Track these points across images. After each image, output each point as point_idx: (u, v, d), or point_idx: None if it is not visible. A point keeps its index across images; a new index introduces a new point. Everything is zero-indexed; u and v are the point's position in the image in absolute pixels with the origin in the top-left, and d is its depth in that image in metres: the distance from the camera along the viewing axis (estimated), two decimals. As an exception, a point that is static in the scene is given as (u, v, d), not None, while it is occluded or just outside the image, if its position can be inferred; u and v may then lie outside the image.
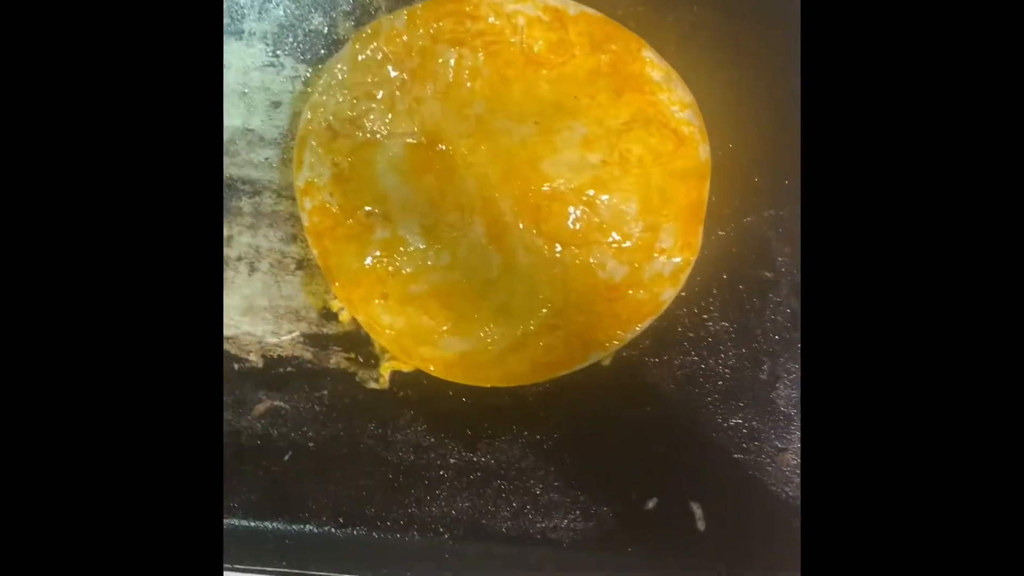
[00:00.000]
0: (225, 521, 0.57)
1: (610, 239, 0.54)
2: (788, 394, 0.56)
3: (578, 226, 0.54)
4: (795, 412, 0.56)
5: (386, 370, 0.57)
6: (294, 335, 0.57)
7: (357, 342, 0.57)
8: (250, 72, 0.57)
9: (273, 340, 0.57)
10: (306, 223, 0.55)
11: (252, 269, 0.57)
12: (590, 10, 0.55)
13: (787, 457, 0.56)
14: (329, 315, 0.58)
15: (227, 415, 0.57)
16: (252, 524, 0.57)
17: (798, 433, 0.56)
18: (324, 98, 0.55)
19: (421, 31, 0.54)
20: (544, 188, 0.54)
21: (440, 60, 0.54)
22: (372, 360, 0.58)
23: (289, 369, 0.57)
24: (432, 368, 0.56)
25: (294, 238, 0.57)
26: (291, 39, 0.57)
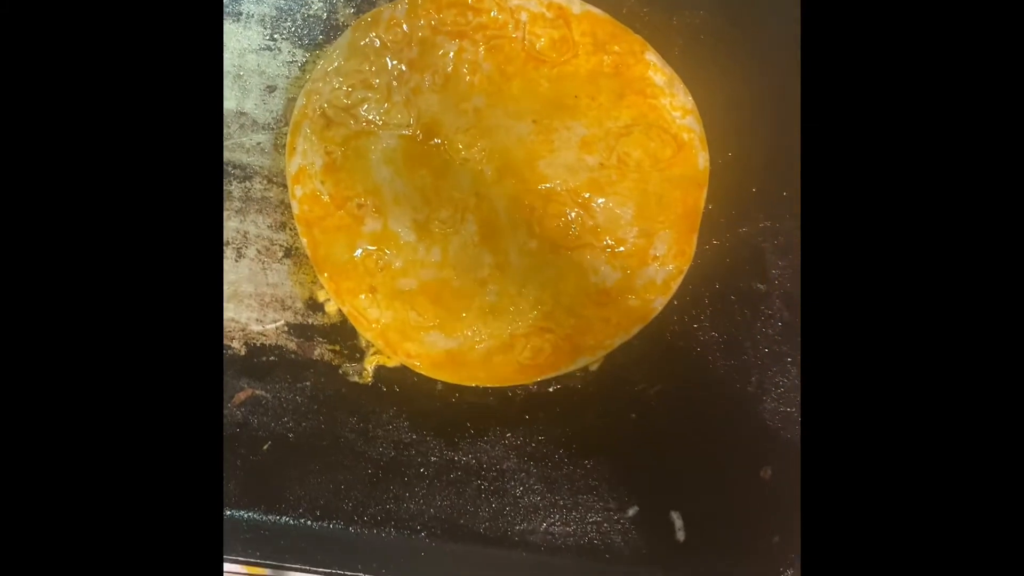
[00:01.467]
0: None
1: (604, 243, 0.54)
2: (775, 408, 0.56)
3: (573, 228, 0.54)
4: (781, 426, 0.56)
5: (370, 364, 0.57)
6: (279, 324, 0.57)
7: (342, 334, 0.57)
8: (246, 55, 0.56)
9: (257, 328, 0.57)
10: (296, 211, 0.54)
11: (239, 255, 0.56)
12: (595, 9, 0.54)
13: (768, 471, 0.55)
14: (315, 306, 0.57)
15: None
16: (228, 513, 0.56)
17: (782, 447, 0.55)
18: (320, 85, 0.54)
19: (422, 21, 0.54)
20: (540, 188, 0.54)
21: (440, 52, 0.54)
22: (357, 354, 0.57)
23: (272, 358, 0.57)
24: (417, 364, 0.55)
25: (283, 226, 0.57)
26: (289, 23, 0.56)
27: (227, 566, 0.61)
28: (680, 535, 0.56)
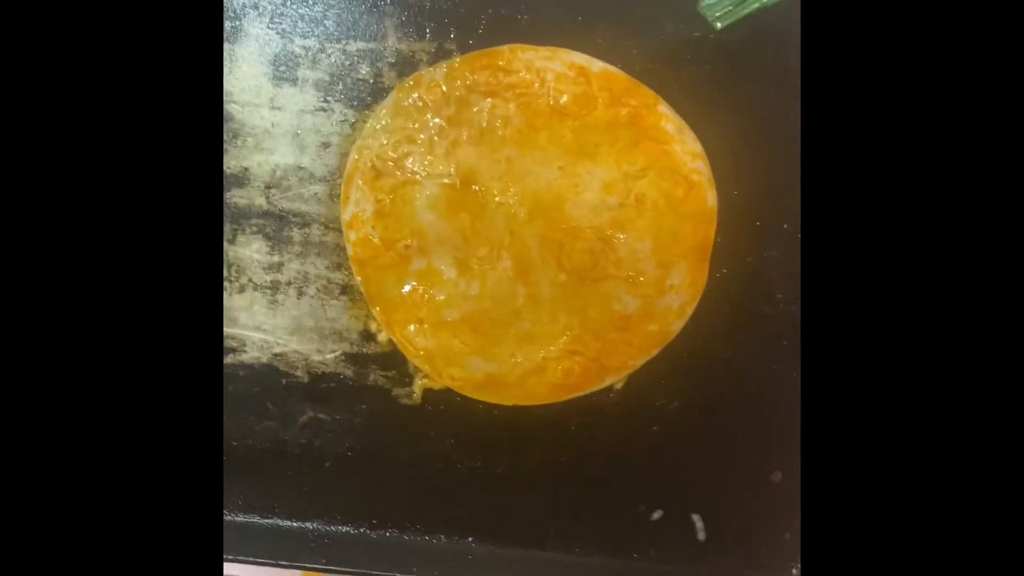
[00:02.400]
0: (269, 521, 0.62)
1: (626, 275, 0.59)
2: (782, 418, 0.61)
3: (597, 262, 0.59)
4: (788, 435, 0.61)
5: (419, 388, 0.62)
6: (337, 354, 0.62)
7: (393, 362, 0.62)
8: (303, 115, 0.62)
9: (318, 358, 0.63)
10: (350, 253, 0.60)
11: (300, 293, 0.63)
12: (612, 67, 0.59)
13: (779, 475, 0.61)
14: (369, 336, 0.62)
15: (274, 425, 0.62)
16: (294, 524, 0.62)
17: (789, 454, 0.61)
18: (370, 141, 0.59)
19: (459, 82, 0.59)
20: (567, 226, 0.59)
21: (475, 109, 0.59)
22: (406, 378, 0.62)
23: (332, 385, 0.62)
24: (461, 387, 0.61)
25: (339, 266, 0.62)
26: (341, 87, 0.61)
27: (289, 573, 0.67)
28: (701, 535, 0.61)
